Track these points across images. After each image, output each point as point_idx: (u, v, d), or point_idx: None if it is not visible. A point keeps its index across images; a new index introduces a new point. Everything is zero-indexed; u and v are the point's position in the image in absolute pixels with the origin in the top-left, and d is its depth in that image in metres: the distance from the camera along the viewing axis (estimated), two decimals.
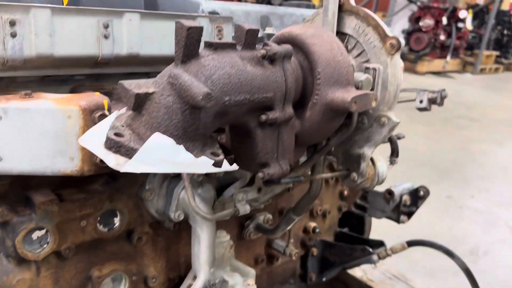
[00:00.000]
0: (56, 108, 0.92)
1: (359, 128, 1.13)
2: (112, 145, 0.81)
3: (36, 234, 1.09)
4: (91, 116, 0.93)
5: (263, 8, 1.54)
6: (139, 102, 0.81)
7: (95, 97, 0.96)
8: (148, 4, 1.23)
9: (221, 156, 0.88)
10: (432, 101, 1.74)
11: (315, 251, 1.86)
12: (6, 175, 1.00)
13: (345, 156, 1.17)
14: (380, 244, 1.80)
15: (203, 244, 1.23)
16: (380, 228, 2.38)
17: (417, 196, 1.82)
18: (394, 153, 1.30)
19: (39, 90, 1.00)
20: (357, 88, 1.04)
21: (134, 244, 1.29)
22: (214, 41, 0.87)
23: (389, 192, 1.83)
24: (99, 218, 1.19)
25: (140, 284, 1.32)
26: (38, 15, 0.96)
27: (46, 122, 0.92)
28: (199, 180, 1.26)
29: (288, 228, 1.43)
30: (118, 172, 1.19)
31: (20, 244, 1.06)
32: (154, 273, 1.36)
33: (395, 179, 4.87)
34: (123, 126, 0.85)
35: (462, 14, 11.05)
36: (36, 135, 0.92)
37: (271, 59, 0.93)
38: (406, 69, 11.19)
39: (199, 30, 0.82)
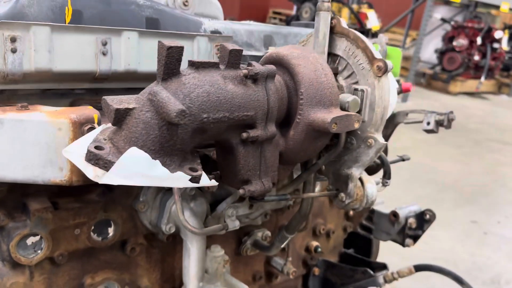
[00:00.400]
0: (48, 120, 0.97)
1: (347, 149, 1.13)
2: (92, 158, 0.84)
3: (30, 240, 1.14)
4: (81, 129, 0.98)
5: (267, 28, 1.56)
6: (119, 117, 0.85)
7: (86, 111, 1.01)
8: (150, 23, 1.28)
9: (199, 172, 0.90)
10: (439, 123, 1.71)
11: (316, 271, 1.84)
12: (3, 182, 1.06)
13: (335, 176, 1.17)
14: (383, 267, 1.77)
15: (193, 257, 1.25)
16: (400, 251, 2.33)
17: (423, 220, 1.78)
18: (386, 175, 1.29)
19: (39, 103, 1.06)
20: (344, 109, 1.05)
21: (128, 254, 1.32)
22: (196, 60, 0.91)
23: (394, 214, 1.80)
24: (93, 227, 1.23)
25: None
26: (38, 32, 1.02)
27: (38, 133, 0.96)
28: (192, 194, 1.28)
29: (282, 246, 1.43)
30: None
31: (14, 248, 1.10)
32: (147, 284, 1.39)
33: (419, 200, 4.75)
34: (105, 140, 0.88)
35: (498, 34, 10.79)
36: (29, 145, 0.97)
37: (254, 78, 0.95)
38: (438, 89, 10.99)
39: (180, 49, 0.85)
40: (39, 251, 1.15)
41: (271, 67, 0.97)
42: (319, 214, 1.85)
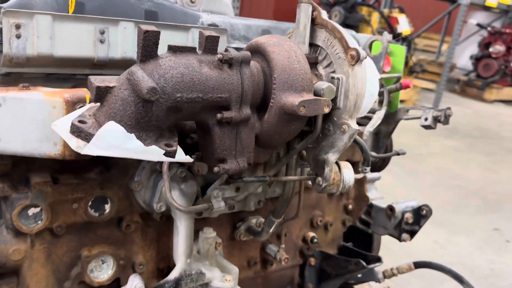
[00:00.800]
0: (44, 99, 1.07)
1: (325, 135, 1.18)
2: (75, 130, 0.94)
3: (32, 211, 1.25)
4: (73, 108, 1.08)
5: (265, 23, 1.63)
6: (100, 94, 0.94)
7: (80, 92, 1.11)
8: (149, 15, 1.37)
9: (174, 147, 0.98)
10: (437, 119, 1.73)
11: (312, 261, 1.89)
12: (7, 156, 1.17)
13: (314, 162, 1.23)
14: (377, 259, 1.79)
15: (181, 235, 1.33)
16: (416, 255, 2.33)
17: (420, 215, 1.79)
18: (365, 162, 1.33)
19: (43, 86, 1.17)
20: (319, 95, 1.10)
21: (124, 231, 1.42)
22: (174, 45, 0.99)
23: (390, 209, 1.82)
24: (90, 203, 1.33)
25: (127, 269, 1.43)
26: (41, 20, 1.13)
27: (35, 110, 1.07)
28: (182, 176, 1.36)
29: (271, 230, 1.49)
30: (111, 163, 1.34)
31: (16, 217, 1.22)
32: (142, 261, 1.48)
33: (442, 206, 4.67)
34: (90, 116, 0.98)
35: None
36: (27, 122, 1.08)
37: (229, 63, 1.02)
38: (473, 96, 10.69)
39: (156, 33, 0.93)
40: (39, 222, 1.26)
41: (246, 53, 1.04)
42: (316, 206, 1.90)
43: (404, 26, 8.26)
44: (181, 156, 1.00)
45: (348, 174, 1.20)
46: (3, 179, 1.22)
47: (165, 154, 0.96)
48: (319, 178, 1.20)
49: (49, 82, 1.27)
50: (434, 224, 4.17)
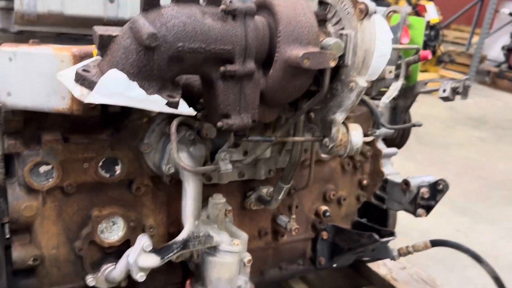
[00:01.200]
0: (53, 53, 1.09)
1: (333, 95, 1.16)
2: (79, 78, 0.95)
3: (43, 169, 1.28)
4: (80, 62, 1.09)
5: None
6: (103, 43, 0.95)
7: (88, 47, 1.12)
8: None
9: (177, 99, 0.98)
10: (455, 91, 1.67)
11: (325, 234, 1.87)
12: (18, 112, 1.20)
13: (322, 123, 1.21)
14: (390, 233, 1.76)
15: (189, 197, 1.33)
16: None
17: (436, 190, 1.75)
18: (375, 124, 1.30)
19: None
20: None
21: (134, 193, 1.43)
22: None
23: (406, 183, 1.78)
24: (101, 164, 1.35)
25: (138, 231, 1.45)
26: None
27: (45, 64, 1.09)
28: (191, 139, 1.37)
29: (280, 197, 1.48)
30: (121, 125, 1.35)
31: (28, 174, 1.25)
32: (152, 224, 1.49)
33: (465, 195, 4.54)
34: (94, 66, 0.99)
35: None
36: (36, 75, 1.10)
37: (232, 14, 1.01)
38: (504, 88, 10.34)
39: None
40: (50, 179, 1.29)
41: (250, 5, 1.03)
42: (329, 180, 1.88)
43: (432, 14, 8.03)
44: (184, 107, 1.00)
45: (356, 136, 1.18)
46: (15, 136, 1.25)
47: (167, 104, 0.96)
48: (326, 139, 1.18)
49: (60, 42, 1.29)
50: (457, 213, 4.07)
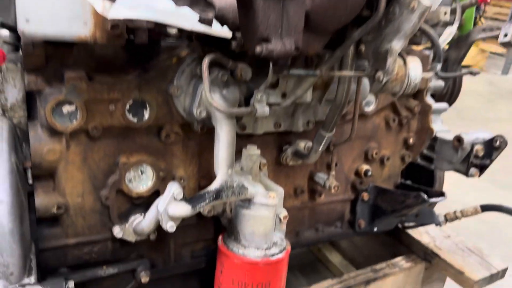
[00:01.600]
0: None
1: (389, 20, 1.01)
2: None
3: (66, 109, 1.18)
4: None
5: None
6: None
7: None
8: None
9: (210, 15, 0.85)
10: None
11: (365, 196, 1.73)
12: (39, 47, 1.11)
13: (375, 56, 1.06)
14: (440, 194, 1.60)
15: (221, 142, 1.22)
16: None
17: (492, 147, 1.58)
18: (436, 57, 1.14)
19: None
20: None
21: (163, 140, 1.33)
22: None
23: (458, 139, 1.62)
24: (128, 107, 1.25)
25: (167, 182, 1.34)
26: None
27: None
28: (225, 80, 1.24)
29: (320, 148, 1.34)
30: (149, 65, 1.24)
31: (50, 113, 1.15)
32: (183, 175, 1.39)
33: (509, 171, 4.29)
34: None
35: None
36: None
37: None
38: None
39: None
40: (74, 120, 1.19)
41: None
42: (372, 137, 1.73)
43: None
44: (218, 28, 0.87)
45: (415, 69, 1.03)
46: (36, 73, 1.16)
47: (200, 21, 0.84)
48: (380, 73, 1.03)
49: None
50: (499, 188, 3.85)
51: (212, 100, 1.11)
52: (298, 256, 2.50)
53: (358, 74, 1.08)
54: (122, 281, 1.37)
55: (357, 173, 1.73)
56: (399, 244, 2.18)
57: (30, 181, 1.25)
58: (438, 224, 1.83)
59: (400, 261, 2.01)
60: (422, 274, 2.06)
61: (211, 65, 1.20)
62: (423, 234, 2.13)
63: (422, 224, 1.90)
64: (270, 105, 1.20)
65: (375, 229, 1.78)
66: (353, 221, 1.78)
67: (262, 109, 1.18)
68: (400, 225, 2.00)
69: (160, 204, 1.21)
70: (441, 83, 1.76)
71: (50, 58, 1.16)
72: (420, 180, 1.89)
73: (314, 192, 1.66)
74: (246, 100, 1.30)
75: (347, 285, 1.82)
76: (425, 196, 1.54)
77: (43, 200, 1.23)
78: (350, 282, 1.84)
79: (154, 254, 1.46)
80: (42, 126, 1.20)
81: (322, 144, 1.31)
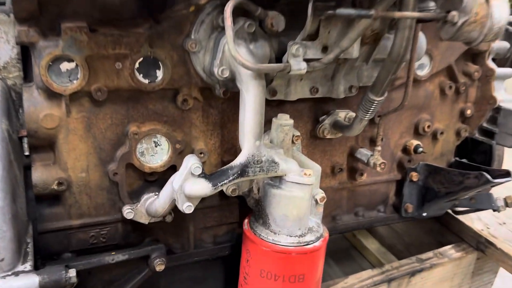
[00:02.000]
0: None
1: None
2: None
3: (65, 66, 1.00)
4: None
5: None
6: None
7: None
8: None
9: None
10: None
11: (415, 176, 1.50)
12: None
13: None
14: (507, 174, 1.35)
15: (248, 108, 1.01)
16: None
17: None
18: None
19: None
20: None
21: (180, 107, 1.14)
22: None
23: None
24: (137, 65, 1.05)
25: (185, 156, 1.15)
26: None
27: None
28: (252, 31, 1.03)
29: (367, 116, 1.11)
30: (162, 15, 1.03)
31: (45, 71, 0.97)
32: (203, 148, 1.20)
33: None
34: None
35: None
36: None
37: None
38: None
39: None
40: (74, 81, 1.01)
41: None
42: (424, 107, 1.49)
43: None
44: None
45: (500, 9, 0.78)
46: (29, 23, 0.97)
47: None
48: (454, 13, 0.80)
49: None
50: None
51: (236, 53, 0.90)
52: (330, 241, 2.31)
53: (425, 15, 0.84)
54: (134, 269, 1.20)
55: (405, 150, 1.50)
56: (447, 231, 1.95)
57: (27, 153, 1.08)
58: (496, 209, 1.58)
59: (449, 250, 1.79)
60: (473, 265, 1.83)
61: (236, 14, 0.99)
62: (474, 221, 1.88)
63: (478, 210, 1.66)
64: (308, 61, 0.98)
65: (424, 214, 1.55)
66: (398, 205, 1.56)
67: (298, 65, 0.96)
68: (450, 211, 1.76)
69: (175, 181, 1.01)
70: (505, 44, 1.50)
71: (44, 6, 0.97)
72: (474, 158, 1.64)
73: (355, 171, 1.44)
74: (278, 60, 1.09)
75: (390, 276, 1.61)
76: (489, 177, 1.29)
77: (42, 174, 1.06)
78: (393, 273, 1.64)
79: (171, 239, 1.28)
80: (38, 88, 1.02)
81: (370, 112, 1.09)
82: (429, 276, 1.72)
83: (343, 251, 2.35)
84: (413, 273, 1.65)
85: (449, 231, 1.96)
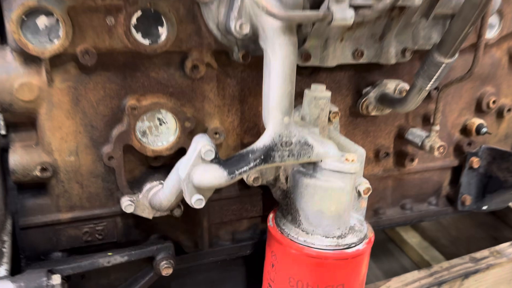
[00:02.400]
0: None
1: None
2: None
3: (43, 22, 0.79)
4: None
5: None
6: None
7: None
8: None
9: None
10: None
11: (476, 162, 1.25)
12: None
13: None
14: None
15: (274, 75, 0.77)
16: None
17: None
18: None
19: None
20: None
21: (189, 75, 0.91)
22: None
23: None
24: (135, 21, 0.83)
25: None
26: None
27: None
28: None
29: (430, 85, 0.86)
30: None
31: (17, 27, 0.76)
32: (218, 127, 0.98)
33: None
34: None
35: None
36: None
37: None
38: None
39: None
40: (55, 40, 0.79)
41: None
42: (489, 78, 1.22)
43: None
44: None
45: None
46: None
47: None
48: None
49: None
50: None
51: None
52: None
53: None
54: (137, 271, 1.00)
55: (464, 130, 1.24)
56: (503, 225, 1.70)
57: (3, 131, 0.88)
58: None
59: (508, 248, 1.54)
60: None
61: None
62: None
63: None
64: (356, 7, 0.74)
65: (485, 207, 1.30)
66: (454, 197, 1.31)
67: (343, 12, 0.72)
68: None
69: (181, 167, 0.80)
70: None
71: None
72: None
73: (403, 156, 1.20)
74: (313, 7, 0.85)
75: (440, 279, 1.37)
76: None
77: (21, 158, 0.87)
78: (443, 275, 1.40)
79: (182, 236, 1.08)
80: (12, 50, 0.81)
81: (435, 78, 0.84)
82: (484, 279, 1.47)
83: (379, 245, 2.11)
84: (466, 275, 1.41)
85: (506, 225, 1.71)
